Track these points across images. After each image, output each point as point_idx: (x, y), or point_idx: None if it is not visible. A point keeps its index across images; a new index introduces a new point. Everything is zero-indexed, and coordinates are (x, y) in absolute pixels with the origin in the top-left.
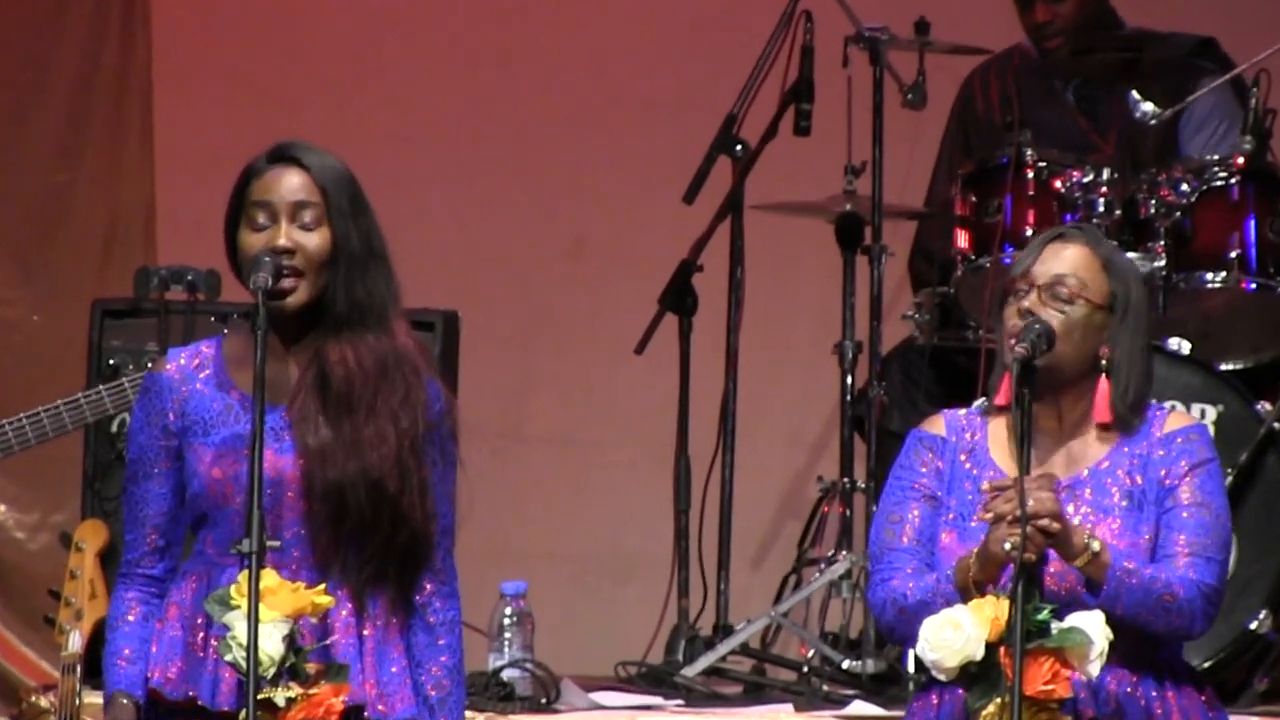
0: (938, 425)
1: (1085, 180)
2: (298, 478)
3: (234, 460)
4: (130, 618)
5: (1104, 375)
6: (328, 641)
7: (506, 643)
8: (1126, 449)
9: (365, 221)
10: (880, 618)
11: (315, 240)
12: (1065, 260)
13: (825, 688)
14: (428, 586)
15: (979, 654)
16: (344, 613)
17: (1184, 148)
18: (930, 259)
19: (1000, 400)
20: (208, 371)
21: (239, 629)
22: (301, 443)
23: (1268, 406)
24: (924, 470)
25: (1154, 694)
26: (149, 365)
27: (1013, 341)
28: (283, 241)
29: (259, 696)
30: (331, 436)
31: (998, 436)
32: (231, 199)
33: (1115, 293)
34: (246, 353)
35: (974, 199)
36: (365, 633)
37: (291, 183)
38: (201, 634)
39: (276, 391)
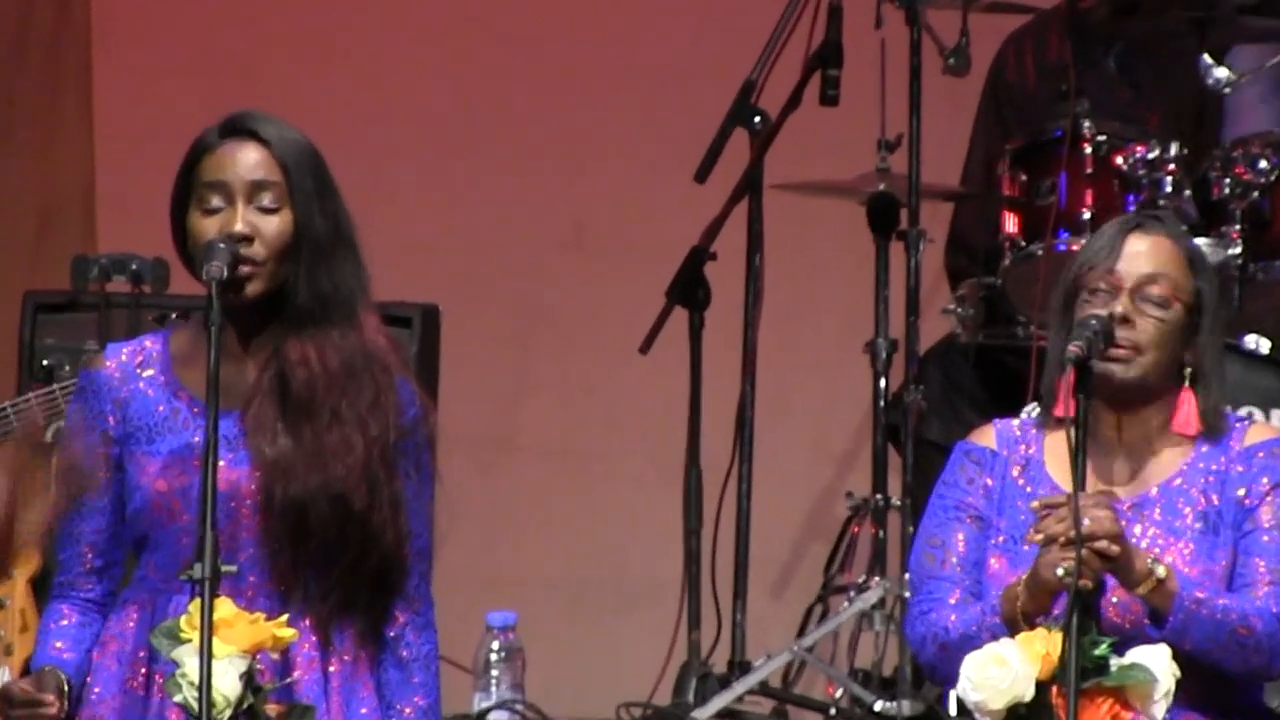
0: (987, 437)
1: (1150, 156)
2: (254, 492)
3: (181, 472)
4: (64, 622)
5: (1187, 384)
6: (289, 680)
7: (494, 681)
8: (1202, 465)
9: (332, 204)
10: (920, 654)
11: (276, 225)
12: (1151, 256)
13: None
14: (400, 617)
15: (1028, 694)
16: (306, 646)
17: (1232, 120)
18: (970, 253)
19: (1061, 411)
20: (152, 370)
21: (190, 666)
22: (258, 453)
23: None
24: (970, 488)
25: None
26: (86, 362)
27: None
28: (239, 226)
29: None
30: (291, 446)
31: (1056, 449)
32: (179, 178)
33: (1200, 290)
34: (196, 349)
35: (1024, 178)
36: (331, 669)
37: (248, 159)
38: (144, 670)
39: (230, 394)
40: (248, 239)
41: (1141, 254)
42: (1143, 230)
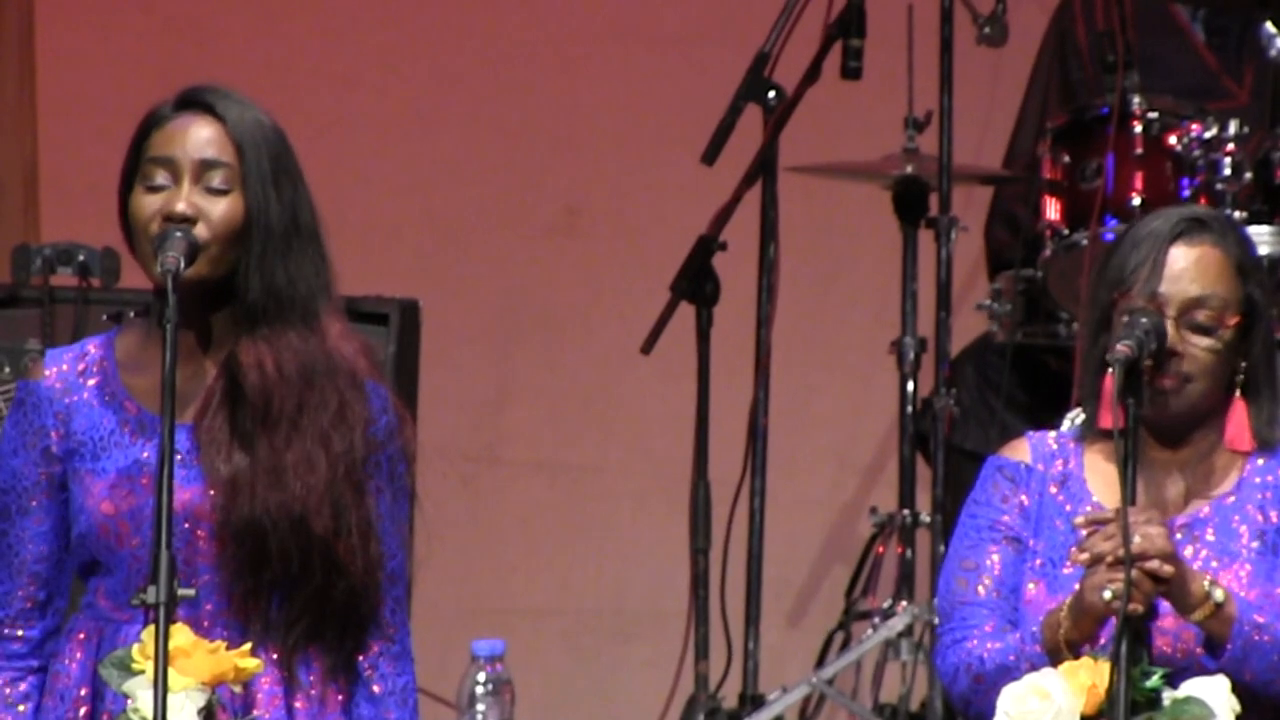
0: (1020, 451)
1: (1207, 135)
2: (209, 513)
3: (129, 492)
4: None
5: (1238, 394)
6: (251, 718)
7: (479, 716)
8: (1258, 479)
9: (292, 191)
10: (951, 688)
11: (223, 208)
12: (1198, 274)
13: None
14: (373, 647)
15: None
16: (268, 681)
17: None
18: (1015, 226)
19: (1106, 423)
20: (96, 379)
21: (143, 700)
22: (211, 470)
23: None
24: (1005, 506)
25: None
26: (25, 369)
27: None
28: (181, 206)
29: None
30: (247, 462)
31: (1098, 464)
32: (128, 154)
33: (1252, 297)
34: (145, 353)
35: (1067, 159)
36: (296, 705)
37: (200, 136)
38: (85, 710)
39: (183, 403)
40: (190, 220)
41: (1187, 271)
42: (1187, 240)
